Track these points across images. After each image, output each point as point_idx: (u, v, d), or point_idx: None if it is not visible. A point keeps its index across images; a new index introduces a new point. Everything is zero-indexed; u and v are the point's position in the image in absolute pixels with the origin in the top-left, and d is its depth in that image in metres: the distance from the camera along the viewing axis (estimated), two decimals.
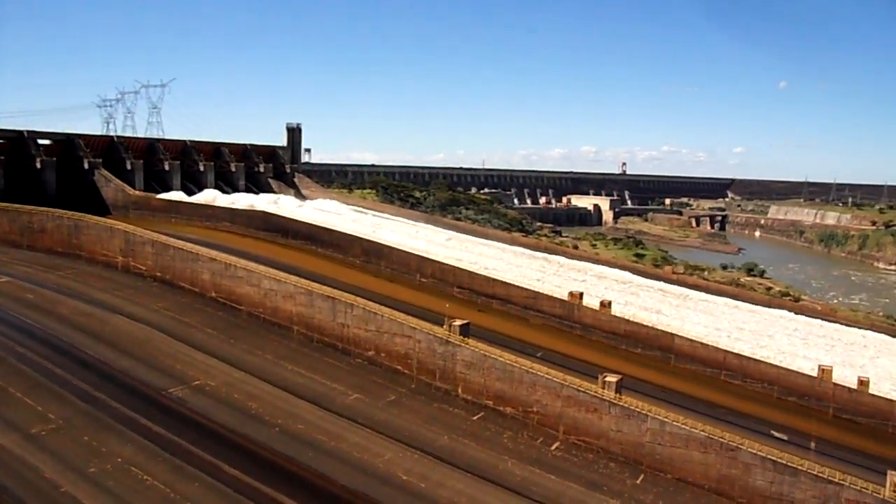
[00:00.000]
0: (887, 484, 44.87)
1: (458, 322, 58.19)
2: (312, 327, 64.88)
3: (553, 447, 50.57)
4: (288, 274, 69.06)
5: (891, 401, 70.54)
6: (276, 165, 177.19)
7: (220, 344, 61.59)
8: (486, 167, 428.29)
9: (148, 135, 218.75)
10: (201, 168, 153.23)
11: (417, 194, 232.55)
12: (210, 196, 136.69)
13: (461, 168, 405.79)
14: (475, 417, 53.25)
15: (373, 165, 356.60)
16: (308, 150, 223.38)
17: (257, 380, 54.53)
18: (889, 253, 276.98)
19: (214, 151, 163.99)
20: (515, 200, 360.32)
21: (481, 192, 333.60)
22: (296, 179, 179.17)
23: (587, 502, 43.57)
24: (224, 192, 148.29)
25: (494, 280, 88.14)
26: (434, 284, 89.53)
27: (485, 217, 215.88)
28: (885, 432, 68.55)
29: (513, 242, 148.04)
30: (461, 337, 56.76)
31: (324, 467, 42.41)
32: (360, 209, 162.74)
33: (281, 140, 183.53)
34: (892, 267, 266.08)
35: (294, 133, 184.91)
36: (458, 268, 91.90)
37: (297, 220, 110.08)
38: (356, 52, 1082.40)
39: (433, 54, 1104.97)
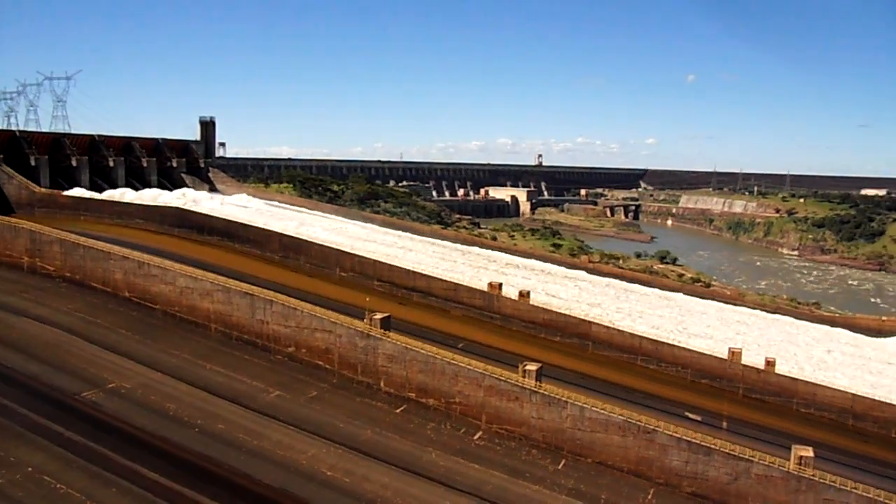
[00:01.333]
0: (791, 457, 47.41)
1: (378, 315, 58.23)
2: (231, 325, 63.86)
3: (476, 437, 51.20)
4: (205, 271, 67.79)
5: (795, 379, 73.94)
6: (190, 160, 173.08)
7: (135, 345, 60.03)
8: (405, 160, 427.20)
9: (53, 129, 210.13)
10: (111, 163, 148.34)
11: (336, 188, 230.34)
12: (121, 192, 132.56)
13: (379, 161, 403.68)
14: (398, 410, 53.45)
15: (290, 159, 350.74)
16: (223, 145, 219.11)
17: (175, 380, 53.43)
18: (792, 239, 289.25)
19: (125, 146, 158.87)
20: (434, 193, 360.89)
21: (400, 184, 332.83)
22: (210, 174, 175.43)
23: (510, 489, 44.31)
24: (135, 188, 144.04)
25: (415, 273, 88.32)
26: (354, 278, 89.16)
27: (404, 210, 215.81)
28: (790, 409, 71.91)
29: (432, 235, 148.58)
30: (382, 330, 56.83)
31: (246, 467, 41.95)
32: (278, 204, 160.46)
33: (194, 134, 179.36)
34: (795, 252, 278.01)
35: (208, 127, 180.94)
36: (378, 261, 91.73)
37: (213, 217, 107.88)
38: (271, 45, 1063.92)
39: (349, 46, 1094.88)
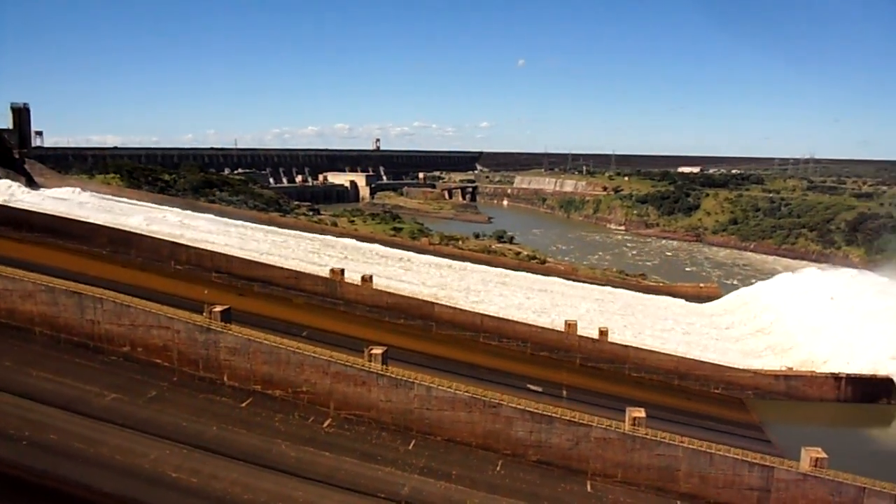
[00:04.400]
0: (626, 419, 50.85)
1: (218, 308, 56.59)
2: (59, 327, 59.81)
3: (325, 424, 51.07)
4: (26, 271, 63.04)
5: (626, 346, 78.83)
6: (3, 151, 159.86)
7: None
8: (239, 147, 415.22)
9: None
10: None
11: (167, 177, 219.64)
12: None
13: (212, 149, 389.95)
14: (244, 404, 52.32)
15: (115, 148, 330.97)
16: (39, 134, 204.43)
17: None
18: (618, 215, 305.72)
19: None
20: (271, 180, 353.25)
21: (235, 172, 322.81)
22: (27, 166, 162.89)
23: (363, 474, 44.60)
24: None
25: (254, 262, 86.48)
26: (190, 271, 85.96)
27: (240, 198, 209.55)
28: (622, 374, 76.66)
29: (271, 223, 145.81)
30: (223, 323, 55.30)
31: (84, 477, 39.73)
32: (105, 196, 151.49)
33: (6, 122, 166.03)
34: (622, 227, 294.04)
35: (21, 114, 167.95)
36: (214, 252, 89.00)
37: (32, 212, 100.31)
38: (87, 24, 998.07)
39: (174, 27, 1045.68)
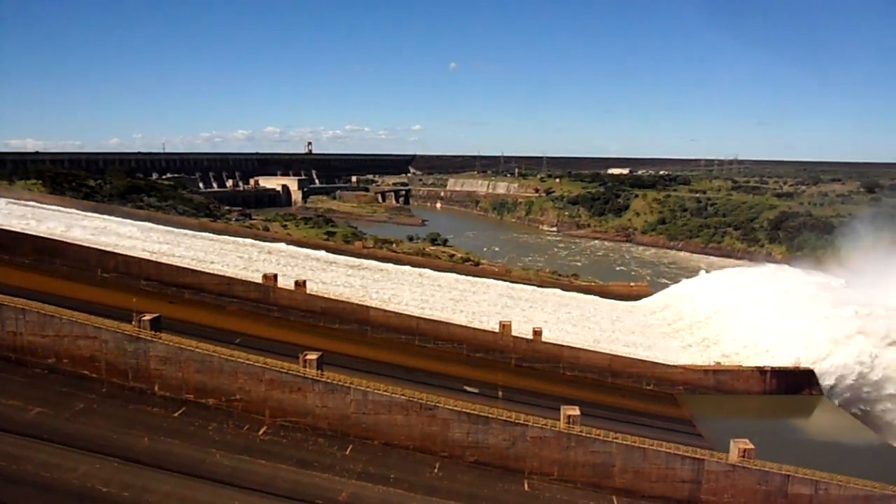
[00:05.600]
0: (561, 417, 51.59)
1: (148, 316, 55.25)
2: None
3: (261, 432, 50.38)
4: None
5: (560, 346, 79.85)
6: None
7: None
8: (168, 151, 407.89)
9: None
10: None
11: (92, 183, 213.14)
12: None
13: (140, 153, 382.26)
14: (177, 414, 51.18)
15: (37, 153, 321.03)
16: None
17: None
18: (551, 216, 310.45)
19: None
20: (201, 185, 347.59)
21: (164, 177, 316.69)
22: None
23: (300, 481, 44.19)
24: None
25: (184, 269, 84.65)
26: (118, 279, 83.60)
27: (169, 204, 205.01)
28: (557, 373, 77.63)
29: (201, 228, 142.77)
30: (153, 332, 53.98)
31: (7, 496, 38.25)
32: (27, 203, 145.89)
33: None
34: (554, 228, 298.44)
35: None
36: (143, 259, 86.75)
37: None
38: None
39: (97, 27, 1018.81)
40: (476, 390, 65.95)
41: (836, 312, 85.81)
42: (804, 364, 79.49)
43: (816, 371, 78.60)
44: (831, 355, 79.76)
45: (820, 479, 50.89)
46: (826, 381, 78.42)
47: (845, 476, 51.35)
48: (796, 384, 78.88)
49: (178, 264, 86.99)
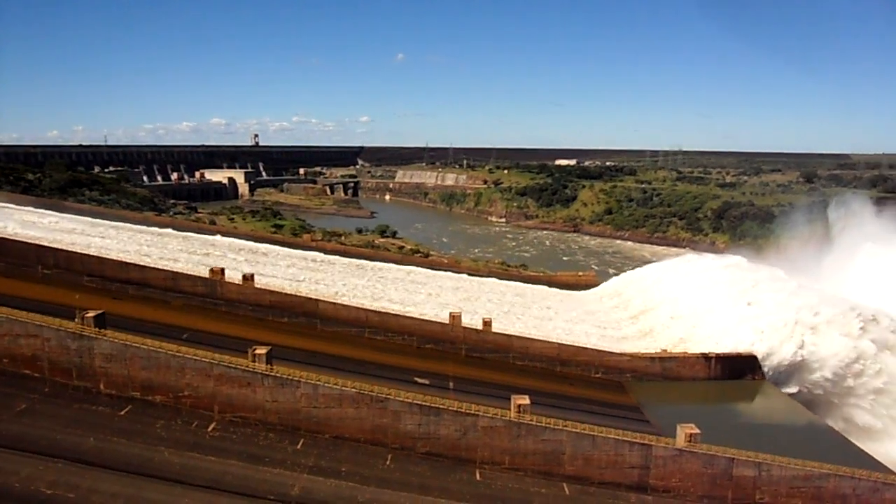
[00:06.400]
0: (511, 407, 52.13)
1: (91, 313, 54.02)
2: None
3: (210, 428, 49.79)
4: None
5: (509, 336, 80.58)
6: None
7: None
8: (110, 143, 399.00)
9: None
10: None
11: (31, 177, 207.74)
12: None
13: (81, 146, 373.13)
14: (123, 412, 50.22)
15: None
16: None
17: None
18: (499, 207, 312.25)
19: None
20: (145, 178, 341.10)
21: (106, 170, 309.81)
22: None
23: (251, 477, 43.85)
24: None
25: (128, 264, 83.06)
26: (60, 275, 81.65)
27: (112, 198, 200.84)
28: (507, 363, 78.33)
29: (146, 223, 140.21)
30: (97, 329, 52.84)
31: None
32: None
33: None
34: (503, 220, 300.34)
35: None
36: (85, 255, 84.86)
37: None
38: None
39: (33, 14, 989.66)
40: (427, 381, 66.14)
41: (777, 299, 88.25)
42: (747, 349, 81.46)
43: (759, 356, 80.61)
44: (772, 340, 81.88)
45: (763, 461, 52.33)
46: (768, 365, 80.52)
47: (787, 457, 52.91)
48: (740, 369, 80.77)
49: (123, 259, 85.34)
